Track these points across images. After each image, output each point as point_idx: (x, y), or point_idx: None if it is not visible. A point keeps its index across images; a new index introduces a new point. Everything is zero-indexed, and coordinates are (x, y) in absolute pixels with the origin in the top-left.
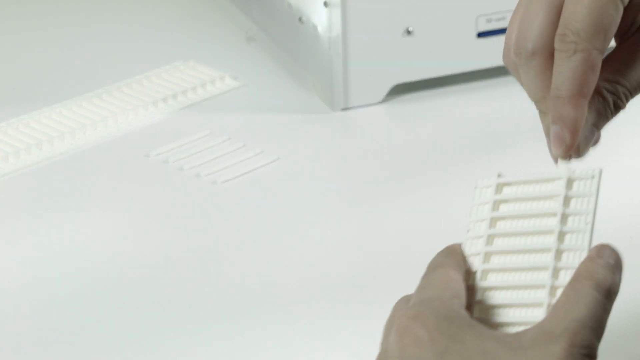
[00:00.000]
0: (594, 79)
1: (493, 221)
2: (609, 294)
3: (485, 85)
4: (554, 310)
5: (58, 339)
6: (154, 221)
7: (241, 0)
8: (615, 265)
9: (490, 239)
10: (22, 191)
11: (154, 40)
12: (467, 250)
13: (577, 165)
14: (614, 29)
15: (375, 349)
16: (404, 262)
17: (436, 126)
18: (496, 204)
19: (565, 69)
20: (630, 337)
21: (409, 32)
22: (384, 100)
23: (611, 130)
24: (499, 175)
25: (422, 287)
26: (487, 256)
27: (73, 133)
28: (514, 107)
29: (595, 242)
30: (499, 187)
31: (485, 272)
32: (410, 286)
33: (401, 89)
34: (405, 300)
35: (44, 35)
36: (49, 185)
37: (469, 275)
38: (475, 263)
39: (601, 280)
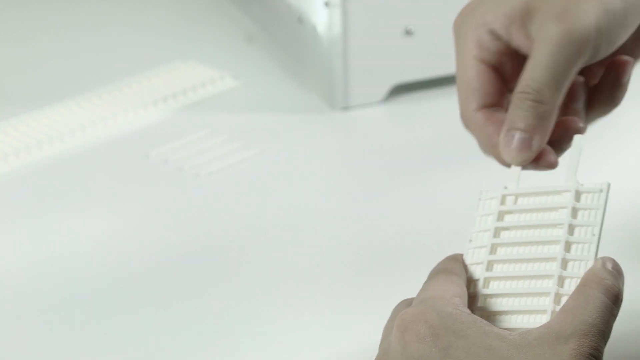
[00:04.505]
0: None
1: (497, 231)
2: (616, 300)
3: None
4: (562, 313)
5: (58, 339)
6: (154, 221)
7: (241, 0)
8: (619, 275)
9: (493, 248)
10: (22, 191)
11: (154, 40)
12: (469, 259)
13: (584, 179)
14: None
15: (367, 350)
16: (403, 262)
17: (436, 126)
18: (501, 215)
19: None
20: (630, 339)
21: (409, 32)
22: (384, 100)
23: (612, 130)
24: (505, 188)
25: (423, 289)
26: (489, 265)
27: (73, 133)
28: None
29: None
30: (504, 199)
31: (488, 279)
32: (409, 286)
33: (401, 89)
34: (406, 303)
35: (44, 35)
36: (49, 185)
37: (470, 283)
38: (477, 271)
39: (609, 286)
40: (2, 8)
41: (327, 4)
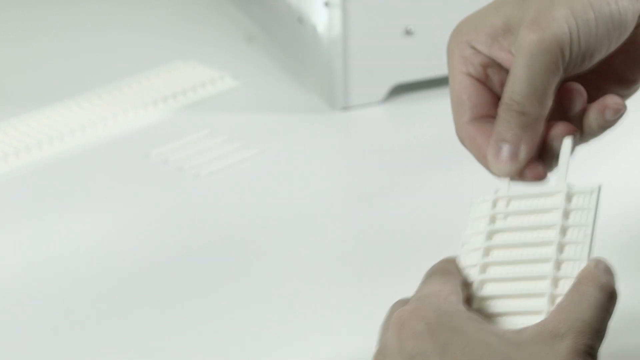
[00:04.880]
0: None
1: (490, 234)
2: (611, 297)
3: None
4: (557, 310)
5: (58, 339)
6: (154, 221)
7: (241, 0)
8: (612, 274)
9: (487, 251)
10: (22, 191)
11: (154, 40)
12: (463, 262)
13: (576, 181)
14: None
15: (365, 348)
16: (403, 262)
17: (436, 126)
18: (493, 218)
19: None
20: (625, 339)
21: (409, 32)
22: (384, 100)
23: (611, 130)
24: (496, 192)
25: (420, 288)
26: (483, 267)
27: (73, 133)
28: None
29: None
30: (496, 202)
31: (482, 282)
32: (408, 285)
33: (401, 89)
34: (402, 302)
35: (44, 35)
36: (49, 185)
37: (465, 286)
38: (472, 274)
39: (604, 283)
40: (2, 8)
41: (327, 4)
